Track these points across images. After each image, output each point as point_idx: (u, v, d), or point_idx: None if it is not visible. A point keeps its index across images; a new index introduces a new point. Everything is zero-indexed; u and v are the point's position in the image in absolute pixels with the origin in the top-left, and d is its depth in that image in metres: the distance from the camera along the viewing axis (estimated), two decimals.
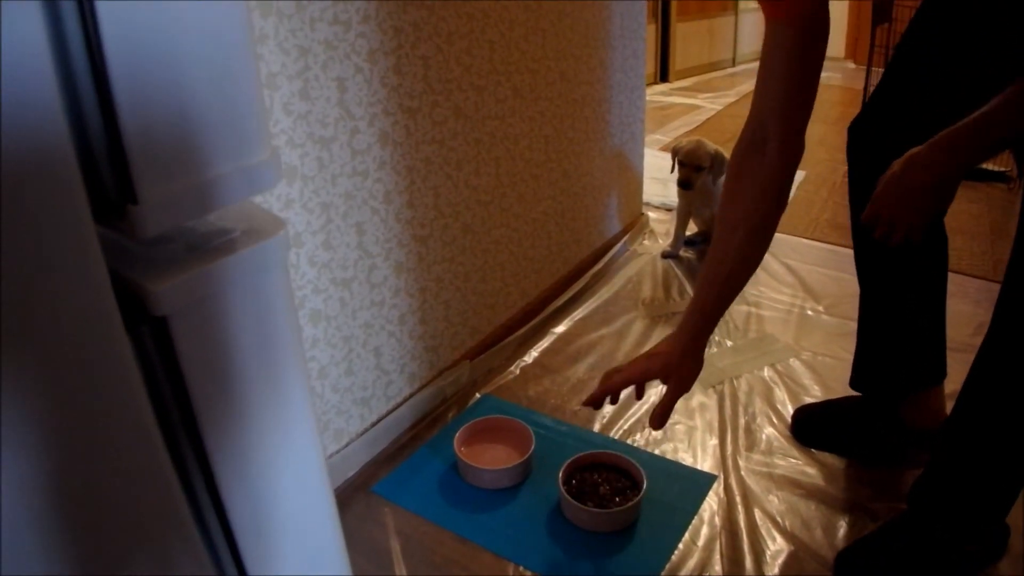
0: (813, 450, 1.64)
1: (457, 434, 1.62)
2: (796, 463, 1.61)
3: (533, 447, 1.59)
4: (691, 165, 2.41)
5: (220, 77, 0.48)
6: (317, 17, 1.26)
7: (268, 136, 0.52)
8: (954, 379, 1.44)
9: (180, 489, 0.53)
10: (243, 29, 0.49)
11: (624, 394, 1.82)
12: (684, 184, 2.43)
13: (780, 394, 1.83)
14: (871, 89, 3.59)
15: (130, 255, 0.50)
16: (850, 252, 2.44)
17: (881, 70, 3.71)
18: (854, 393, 1.70)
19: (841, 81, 5.30)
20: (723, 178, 2.44)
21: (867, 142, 1.43)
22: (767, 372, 1.92)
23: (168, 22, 0.45)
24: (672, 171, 2.53)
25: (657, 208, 3.00)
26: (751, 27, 5.97)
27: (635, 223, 2.70)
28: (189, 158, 0.47)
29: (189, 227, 0.53)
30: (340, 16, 1.30)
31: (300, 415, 0.61)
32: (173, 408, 0.52)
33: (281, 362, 0.57)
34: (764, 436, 1.69)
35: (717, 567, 1.38)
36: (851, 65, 5.80)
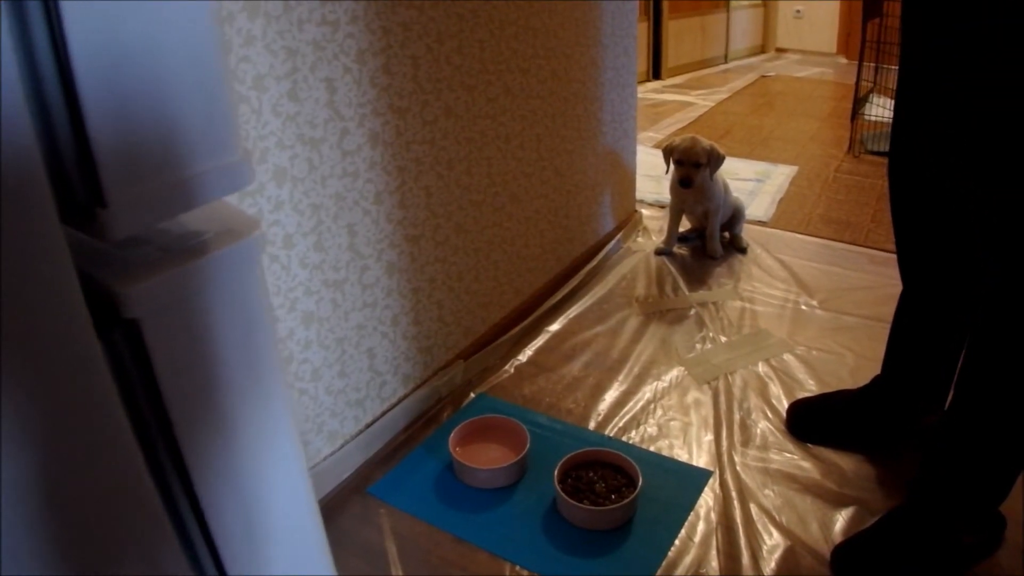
0: (808, 444, 1.64)
1: (452, 434, 1.62)
2: (791, 458, 1.61)
3: (528, 446, 1.58)
4: (689, 162, 2.41)
5: (188, 79, 0.47)
6: (305, 18, 1.26)
7: (239, 137, 0.52)
8: None
9: (158, 497, 0.52)
10: (210, 30, 0.48)
11: (615, 392, 1.84)
12: (684, 183, 2.42)
13: (775, 389, 1.83)
14: (863, 83, 3.61)
15: (102, 257, 0.50)
16: (844, 246, 2.45)
17: (873, 65, 3.72)
18: (848, 387, 1.70)
19: (833, 76, 5.30)
20: (718, 173, 2.46)
21: (904, 175, 1.42)
22: (762, 367, 1.92)
23: (134, 24, 0.44)
24: (667, 171, 2.53)
25: (651, 205, 3.01)
26: (743, 24, 5.98)
27: (628, 220, 2.70)
28: (158, 160, 0.47)
29: (163, 229, 0.53)
30: (328, 17, 1.30)
31: (279, 419, 0.61)
32: (150, 414, 0.52)
33: (258, 365, 0.57)
34: (759, 431, 1.69)
35: (714, 563, 1.37)
36: (843, 60, 5.81)
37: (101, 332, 0.47)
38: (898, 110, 1.40)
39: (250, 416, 0.58)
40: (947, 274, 1.44)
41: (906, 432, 1.60)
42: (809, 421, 1.68)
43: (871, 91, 3.87)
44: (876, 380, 1.64)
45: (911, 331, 1.54)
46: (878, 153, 3.48)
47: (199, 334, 0.51)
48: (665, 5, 5.13)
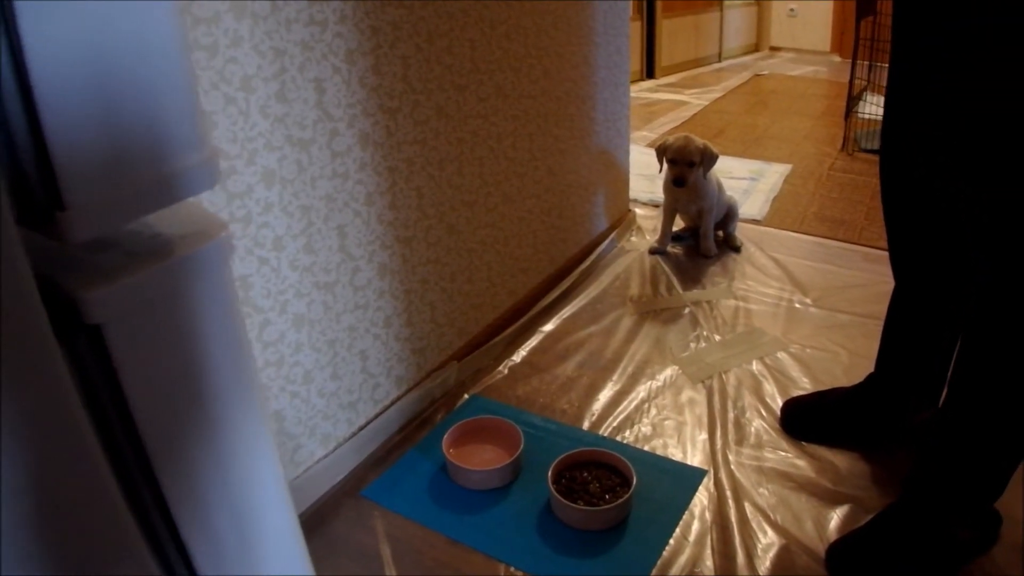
0: (802, 442, 1.64)
1: (445, 436, 1.61)
2: (786, 456, 1.61)
3: (522, 447, 1.58)
4: (683, 162, 2.41)
5: (150, 79, 0.46)
6: (293, 18, 1.25)
7: (206, 136, 0.51)
8: None
9: (127, 510, 0.51)
10: (172, 31, 0.47)
11: (609, 392, 1.83)
12: (678, 182, 2.42)
13: (769, 387, 1.83)
14: (856, 82, 3.61)
15: (66, 261, 0.48)
16: (838, 244, 2.45)
17: (867, 63, 3.72)
18: (842, 384, 1.70)
19: (827, 75, 5.31)
20: (711, 172, 2.45)
21: (894, 174, 1.42)
22: (756, 366, 1.92)
23: (93, 24, 0.43)
24: (660, 170, 2.52)
25: (644, 204, 3.00)
26: (737, 23, 5.98)
27: (622, 220, 2.70)
28: (119, 162, 0.46)
29: (131, 231, 0.52)
30: (316, 16, 1.29)
31: (253, 428, 0.59)
32: (117, 424, 0.51)
33: (230, 373, 0.56)
34: (753, 430, 1.69)
35: (708, 562, 1.37)
36: (836, 59, 5.81)
37: (63, 338, 0.46)
38: (888, 109, 1.39)
39: (223, 426, 0.57)
40: (938, 272, 1.43)
41: (900, 429, 1.60)
42: (803, 419, 1.67)
43: (865, 89, 3.87)
44: (870, 378, 1.63)
45: (903, 329, 1.54)
46: (872, 151, 3.48)
47: (166, 340, 0.50)
48: (658, 4, 5.13)
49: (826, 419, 1.64)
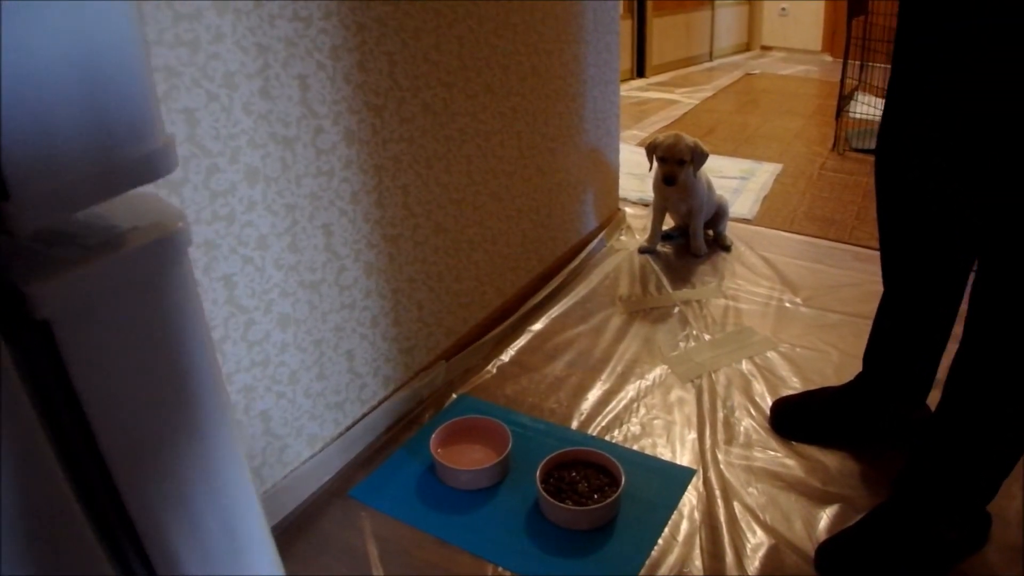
0: (792, 442, 1.63)
1: (433, 435, 1.60)
2: (775, 455, 1.60)
3: (510, 446, 1.57)
4: (673, 160, 2.40)
5: (97, 66, 0.45)
6: (276, 14, 1.24)
7: (159, 124, 0.49)
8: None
9: (85, 520, 0.49)
10: (121, 14, 0.46)
11: (598, 391, 1.82)
12: (668, 180, 2.41)
13: (758, 387, 1.82)
14: (847, 81, 3.61)
15: (14, 254, 0.47)
16: (829, 244, 2.45)
17: (858, 62, 3.72)
18: (832, 383, 1.69)
19: (818, 74, 5.31)
20: (701, 171, 2.44)
21: (889, 175, 1.41)
22: (745, 365, 1.91)
23: (33, 14, 0.42)
24: (650, 169, 2.51)
25: (634, 204, 2.99)
26: (728, 21, 5.98)
27: (612, 219, 2.69)
28: (64, 150, 0.44)
29: (88, 224, 0.50)
30: (300, 12, 1.28)
31: (217, 432, 0.58)
32: (71, 426, 0.49)
33: (190, 372, 0.54)
34: (743, 429, 1.68)
35: (697, 562, 1.36)
36: (828, 58, 5.82)
37: (12, 335, 0.44)
38: (886, 110, 1.39)
39: (185, 429, 0.55)
40: (929, 274, 1.43)
41: (888, 429, 1.59)
42: (793, 419, 1.66)
43: (856, 89, 3.87)
44: (859, 377, 1.63)
45: (892, 330, 1.53)
46: (863, 151, 3.48)
47: (119, 337, 0.49)
48: (649, 3, 5.13)
49: (815, 418, 1.64)
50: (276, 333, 1.38)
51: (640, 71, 5.30)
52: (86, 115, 0.44)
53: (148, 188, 1.07)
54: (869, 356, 1.60)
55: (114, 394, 0.50)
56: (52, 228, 0.49)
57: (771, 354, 1.95)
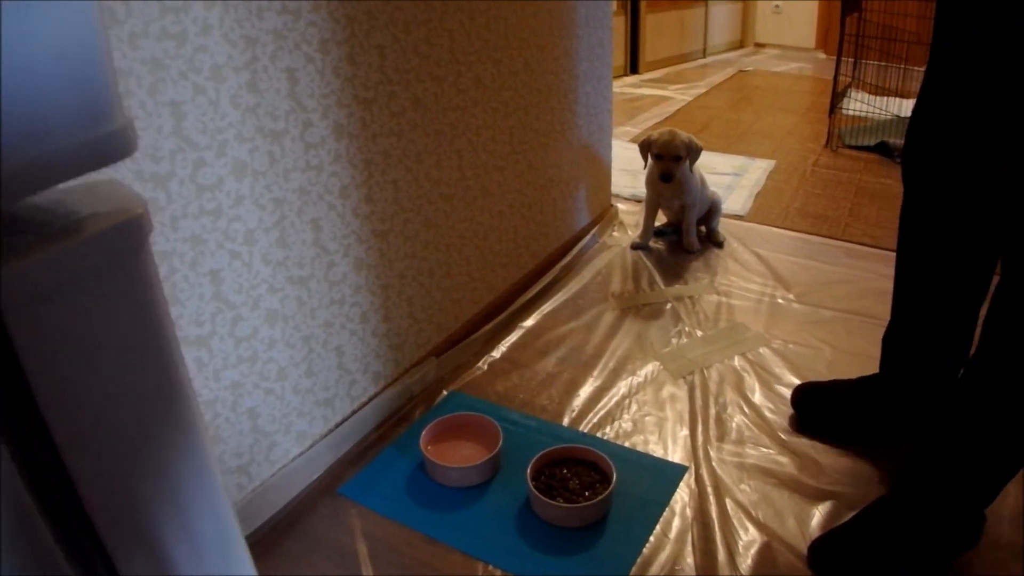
0: (785, 439, 1.62)
1: (423, 432, 1.59)
2: (768, 452, 1.59)
3: (501, 443, 1.56)
4: (669, 156, 2.39)
5: (47, 44, 0.43)
6: (265, 6, 1.22)
7: (117, 106, 0.47)
8: None
9: (47, 532, 0.48)
10: None
11: (590, 388, 1.81)
12: (665, 177, 2.40)
13: (751, 383, 1.81)
14: (841, 78, 3.61)
15: None
16: (821, 240, 2.44)
17: (851, 60, 3.72)
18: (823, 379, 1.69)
19: (812, 71, 5.31)
20: (695, 167, 2.44)
21: (913, 178, 1.40)
22: (738, 361, 1.90)
23: None
24: (645, 166, 2.50)
25: (627, 200, 2.99)
26: (722, 18, 5.97)
27: (604, 215, 2.68)
28: (14, 132, 0.42)
29: (48, 210, 0.48)
30: (289, 5, 1.26)
31: (185, 436, 0.56)
32: (31, 429, 0.47)
33: (148, 361, 0.52)
34: (735, 425, 1.67)
35: (689, 559, 1.35)
36: (821, 55, 5.81)
37: None
38: (914, 111, 1.38)
39: (145, 422, 0.53)
40: (948, 278, 1.41)
41: (913, 426, 1.57)
42: (817, 408, 1.64)
43: (849, 86, 3.87)
44: (873, 377, 1.61)
45: (915, 330, 1.51)
46: (856, 147, 3.47)
47: (77, 326, 0.47)
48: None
49: (839, 411, 1.62)
50: (264, 329, 1.37)
51: (633, 67, 5.29)
52: (37, 96, 0.43)
53: (118, 176, 1.06)
54: (889, 357, 1.58)
55: (69, 386, 0.48)
56: (7, 214, 0.47)
57: (763, 350, 1.95)
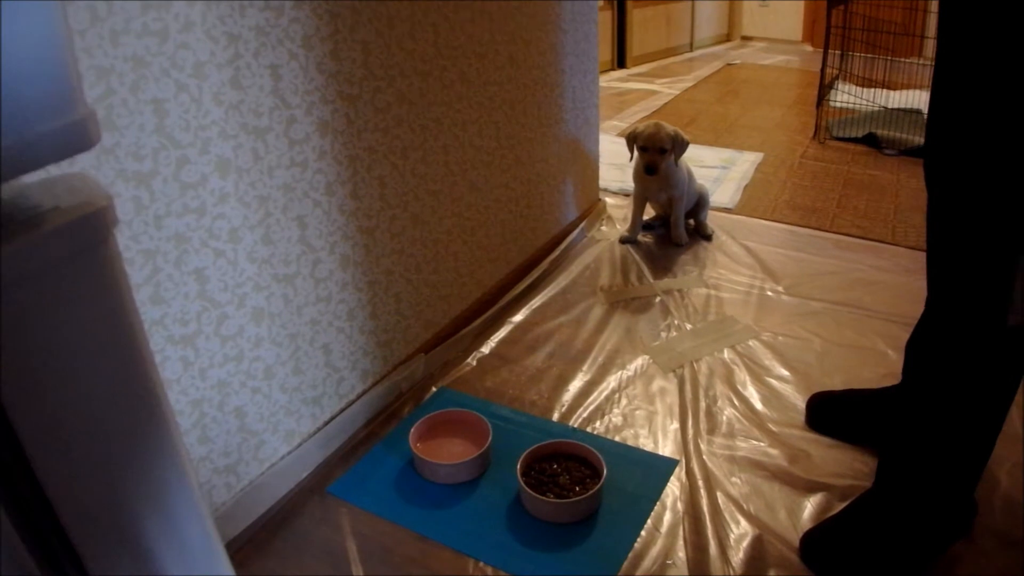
0: (775, 431, 1.62)
1: (412, 429, 1.58)
2: (758, 445, 1.59)
3: (490, 439, 1.55)
4: (654, 149, 2.38)
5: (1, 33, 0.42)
6: (247, 2, 1.21)
7: (78, 96, 0.46)
8: None
9: (22, 546, 0.47)
10: None
11: (579, 382, 1.81)
12: (650, 170, 2.39)
13: (741, 375, 1.81)
14: (828, 70, 3.61)
15: None
16: (810, 232, 2.44)
17: (838, 52, 3.72)
18: (814, 371, 1.68)
19: (799, 64, 5.31)
20: (682, 160, 2.43)
21: (932, 178, 1.39)
22: (727, 354, 1.90)
23: None
24: (631, 159, 2.50)
25: (615, 194, 2.98)
26: (708, 12, 5.97)
27: (592, 209, 2.67)
28: None
29: (15, 205, 0.47)
30: (272, 2, 1.25)
31: (153, 426, 0.54)
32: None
33: (113, 358, 0.51)
34: (725, 418, 1.67)
35: (681, 554, 1.35)
36: (808, 48, 5.82)
37: None
38: (930, 108, 1.37)
39: (115, 426, 0.52)
40: (971, 281, 1.40)
41: None
42: (832, 415, 1.63)
43: (836, 78, 3.87)
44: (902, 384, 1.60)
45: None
46: (844, 139, 3.48)
47: (38, 322, 0.46)
48: None
49: (855, 418, 1.61)
50: (250, 327, 1.36)
51: (620, 62, 5.28)
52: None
53: (100, 175, 1.05)
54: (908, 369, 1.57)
55: (33, 383, 0.47)
56: None
57: (753, 343, 1.94)
